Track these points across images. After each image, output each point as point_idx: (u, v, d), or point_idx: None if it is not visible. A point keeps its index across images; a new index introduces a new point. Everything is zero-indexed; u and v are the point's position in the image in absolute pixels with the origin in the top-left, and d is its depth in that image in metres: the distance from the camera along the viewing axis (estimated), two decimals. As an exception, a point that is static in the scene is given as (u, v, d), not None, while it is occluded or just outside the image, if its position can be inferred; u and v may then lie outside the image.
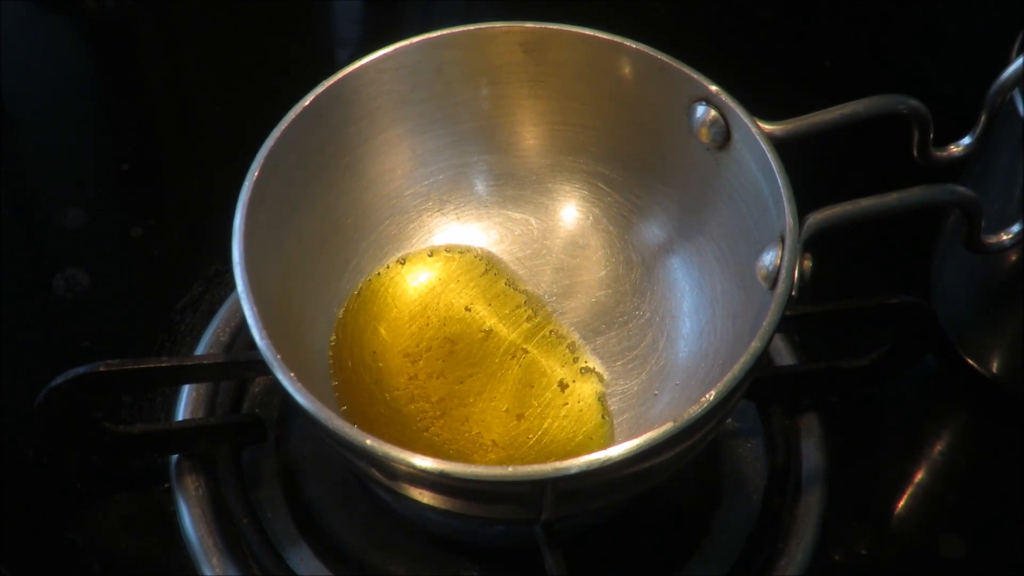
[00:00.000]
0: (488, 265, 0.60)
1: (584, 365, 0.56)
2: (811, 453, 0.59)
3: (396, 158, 0.58)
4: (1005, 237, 0.51)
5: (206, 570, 0.54)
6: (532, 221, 0.61)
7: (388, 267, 0.59)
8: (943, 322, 0.60)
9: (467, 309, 0.58)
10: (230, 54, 0.84)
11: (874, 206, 0.46)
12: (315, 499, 0.57)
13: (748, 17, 0.86)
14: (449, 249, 0.60)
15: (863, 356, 0.58)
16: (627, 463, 0.41)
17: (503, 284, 0.59)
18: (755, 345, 0.43)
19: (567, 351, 0.57)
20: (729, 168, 0.52)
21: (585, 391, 0.55)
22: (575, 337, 0.57)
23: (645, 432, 0.41)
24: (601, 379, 0.56)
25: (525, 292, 0.59)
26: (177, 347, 0.64)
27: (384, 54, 0.54)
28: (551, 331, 0.58)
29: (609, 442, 0.54)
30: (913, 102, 0.48)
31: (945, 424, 0.64)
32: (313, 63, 0.81)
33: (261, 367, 0.45)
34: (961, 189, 0.48)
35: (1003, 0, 0.73)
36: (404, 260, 0.59)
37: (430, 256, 0.60)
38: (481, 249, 0.60)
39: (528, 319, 0.58)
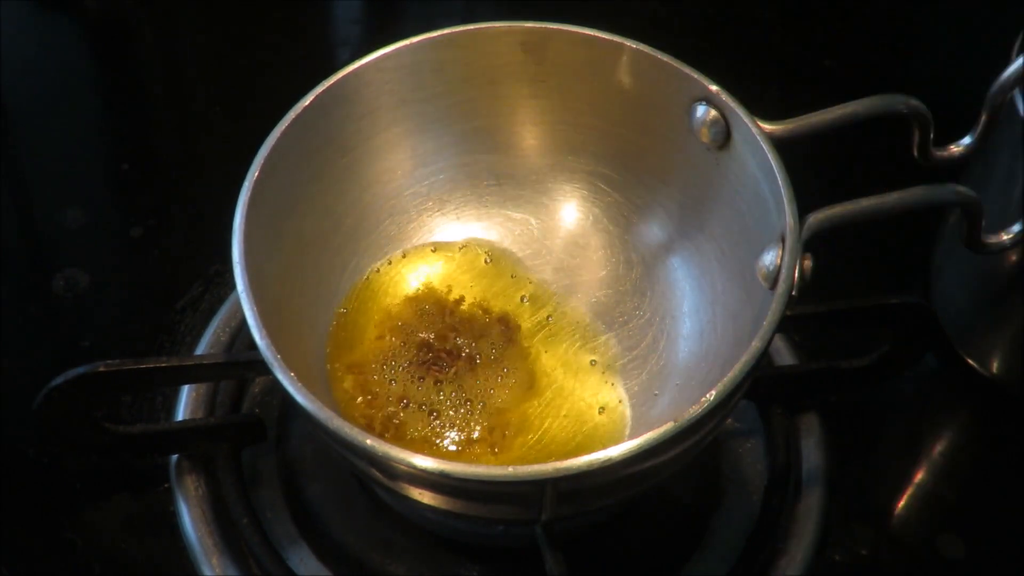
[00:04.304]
0: (491, 263, 0.60)
1: (584, 365, 0.56)
2: (811, 453, 0.59)
3: (396, 158, 0.58)
4: (1005, 237, 0.51)
5: (206, 570, 0.54)
6: (532, 221, 0.61)
7: (390, 263, 0.59)
8: (943, 322, 0.60)
9: (468, 308, 0.58)
10: (230, 54, 0.84)
11: (874, 206, 0.46)
12: (315, 499, 0.57)
13: (748, 17, 0.86)
14: (451, 246, 0.60)
15: (863, 356, 0.58)
16: (627, 463, 0.41)
17: (504, 284, 0.59)
18: (755, 345, 0.43)
19: (567, 351, 0.57)
20: (729, 168, 0.52)
21: (585, 391, 0.55)
22: (575, 337, 0.57)
23: (645, 432, 0.41)
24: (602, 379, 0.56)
25: (526, 292, 0.59)
26: (177, 347, 0.64)
27: (384, 54, 0.54)
28: (551, 331, 0.58)
29: (609, 442, 0.54)
30: (913, 102, 0.48)
31: (945, 424, 0.64)
32: (313, 63, 0.81)
33: (261, 367, 0.45)
34: (961, 189, 0.48)
35: (1003, 0, 0.73)
36: (405, 256, 0.59)
37: (433, 252, 0.60)
38: (484, 242, 0.60)
39: (529, 318, 0.58)
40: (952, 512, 0.59)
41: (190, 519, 0.56)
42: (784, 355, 0.62)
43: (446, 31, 0.55)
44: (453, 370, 0.55)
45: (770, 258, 0.47)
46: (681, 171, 0.56)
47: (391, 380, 0.55)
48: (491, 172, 0.60)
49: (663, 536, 0.57)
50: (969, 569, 0.57)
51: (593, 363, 0.56)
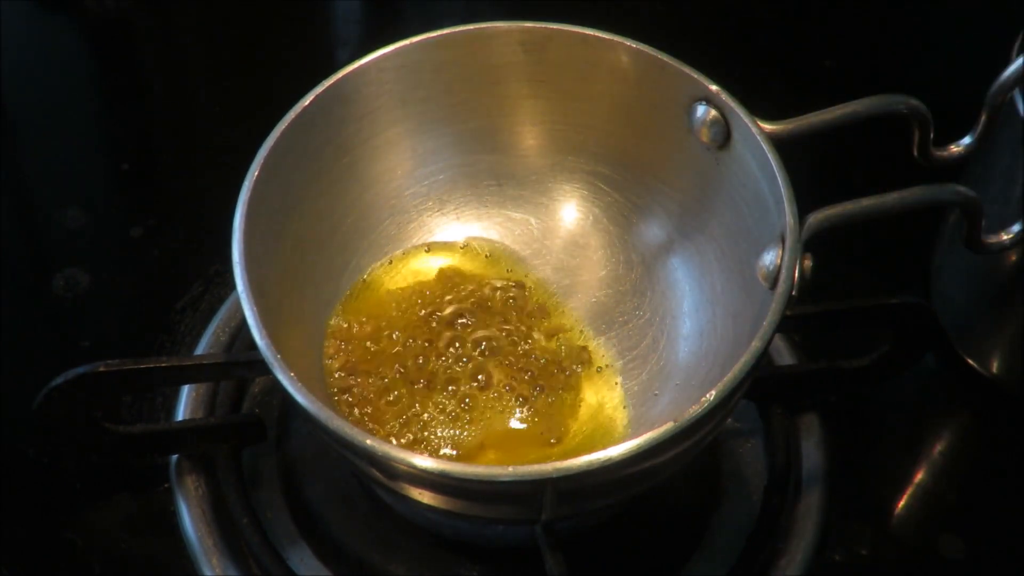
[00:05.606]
0: (488, 262, 0.60)
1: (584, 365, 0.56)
2: (811, 453, 0.59)
3: (396, 158, 0.58)
4: (1005, 237, 0.51)
5: (206, 570, 0.54)
6: (532, 221, 0.61)
7: (390, 262, 0.59)
8: (943, 322, 0.60)
9: (465, 307, 0.58)
10: (230, 54, 0.84)
11: (874, 206, 0.46)
12: (315, 499, 0.57)
13: (748, 17, 0.86)
14: (451, 246, 0.60)
15: (863, 356, 0.58)
16: (627, 463, 0.41)
17: (502, 283, 0.59)
18: (755, 345, 0.43)
19: (567, 351, 0.57)
20: (729, 168, 0.52)
21: (586, 391, 0.55)
22: (575, 337, 0.57)
23: (645, 432, 0.41)
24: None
25: (524, 291, 0.59)
26: (177, 347, 0.64)
27: (384, 54, 0.54)
28: (552, 331, 0.58)
29: (609, 442, 0.53)
30: (913, 102, 0.48)
31: (945, 424, 0.64)
32: (313, 63, 0.81)
33: (261, 367, 0.45)
34: (961, 189, 0.48)
35: (1003, 0, 0.73)
36: (405, 256, 0.59)
37: (433, 252, 0.60)
38: (484, 241, 0.60)
39: (529, 318, 0.58)
40: (952, 512, 0.59)
41: (190, 519, 0.56)
42: (784, 355, 0.62)
43: (446, 31, 0.55)
44: (453, 369, 0.55)
45: (770, 258, 0.47)
46: (681, 171, 0.56)
47: (390, 380, 0.55)
48: (491, 172, 0.60)
49: (663, 536, 0.57)
50: (969, 569, 0.57)
51: (593, 363, 0.56)
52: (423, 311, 0.57)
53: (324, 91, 0.53)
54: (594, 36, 0.54)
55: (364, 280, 0.58)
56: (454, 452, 0.53)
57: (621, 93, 0.55)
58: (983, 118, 0.50)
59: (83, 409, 0.52)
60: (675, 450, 0.43)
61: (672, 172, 0.56)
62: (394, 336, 0.56)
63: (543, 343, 0.57)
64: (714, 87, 0.51)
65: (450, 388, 0.54)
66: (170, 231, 0.70)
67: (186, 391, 0.60)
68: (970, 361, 0.63)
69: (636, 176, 0.58)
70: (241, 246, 0.47)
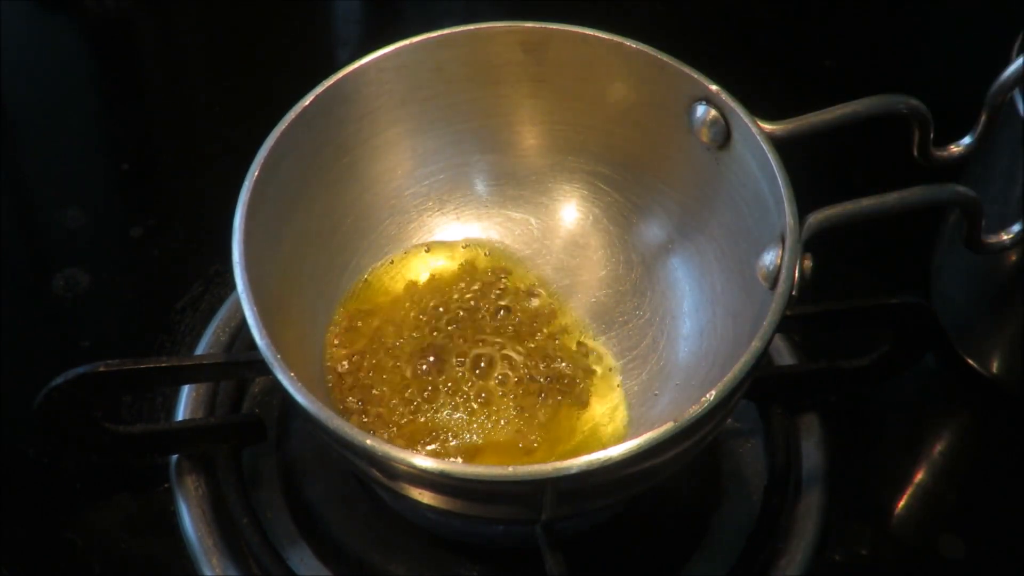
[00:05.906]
0: (488, 261, 0.60)
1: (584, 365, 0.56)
2: (811, 453, 0.59)
3: (396, 158, 0.58)
4: (1005, 237, 0.51)
5: (206, 570, 0.54)
6: (532, 221, 0.61)
7: (391, 262, 0.59)
8: (943, 322, 0.60)
9: (465, 306, 0.58)
10: (230, 54, 0.84)
11: (874, 206, 0.46)
12: (315, 499, 0.58)
13: (748, 17, 0.86)
14: (451, 246, 0.60)
15: (863, 356, 0.58)
16: (627, 463, 0.41)
17: (501, 283, 0.59)
18: (755, 345, 0.43)
19: (567, 351, 0.57)
20: (729, 168, 0.52)
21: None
22: (576, 337, 0.57)
23: (645, 432, 0.41)
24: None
25: (525, 290, 0.59)
26: (177, 347, 0.64)
27: (384, 54, 0.54)
28: (552, 331, 0.58)
29: (609, 442, 0.53)
30: (913, 102, 0.48)
31: (945, 424, 0.64)
32: (313, 63, 0.81)
33: (261, 367, 0.45)
34: (961, 189, 0.48)
35: (1003, 0, 0.73)
36: (405, 256, 0.59)
37: (432, 252, 0.60)
38: (484, 241, 0.60)
39: (529, 318, 0.58)
40: (952, 512, 0.59)
41: (190, 519, 0.56)
42: (784, 355, 0.62)
43: (446, 31, 0.55)
44: (454, 370, 0.55)
45: (770, 258, 0.47)
46: (681, 171, 0.56)
47: (390, 380, 0.55)
48: (491, 172, 0.60)
49: (663, 536, 0.57)
50: (969, 569, 0.57)
51: (593, 363, 0.56)
52: (423, 311, 0.57)
53: (324, 91, 0.53)
54: (594, 36, 0.54)
55: (364, 280, 0.58)
56: (455, 452, 0.53)
57: (621, 93, 0.56)
58: (983, 118, 0.50)
59: (83, 409, 0.52)
60: (675, 450, 0.43)
61: (672, 172, 0.56)
62: (394, 336, 0.56)
63: (543, 343, 0.57)
64: (714, 87, 0.52)
65: (449, 388, 0.54)
66: (170, 231, 0.70)
67: (186, 391, 0.60)
68: (970, 361, 0.63)
69: (636, 176, 0.58)
70: (241, 246, 0.47)
